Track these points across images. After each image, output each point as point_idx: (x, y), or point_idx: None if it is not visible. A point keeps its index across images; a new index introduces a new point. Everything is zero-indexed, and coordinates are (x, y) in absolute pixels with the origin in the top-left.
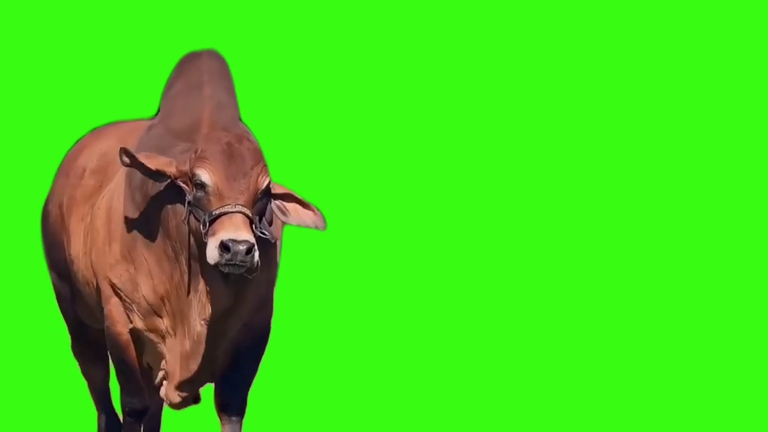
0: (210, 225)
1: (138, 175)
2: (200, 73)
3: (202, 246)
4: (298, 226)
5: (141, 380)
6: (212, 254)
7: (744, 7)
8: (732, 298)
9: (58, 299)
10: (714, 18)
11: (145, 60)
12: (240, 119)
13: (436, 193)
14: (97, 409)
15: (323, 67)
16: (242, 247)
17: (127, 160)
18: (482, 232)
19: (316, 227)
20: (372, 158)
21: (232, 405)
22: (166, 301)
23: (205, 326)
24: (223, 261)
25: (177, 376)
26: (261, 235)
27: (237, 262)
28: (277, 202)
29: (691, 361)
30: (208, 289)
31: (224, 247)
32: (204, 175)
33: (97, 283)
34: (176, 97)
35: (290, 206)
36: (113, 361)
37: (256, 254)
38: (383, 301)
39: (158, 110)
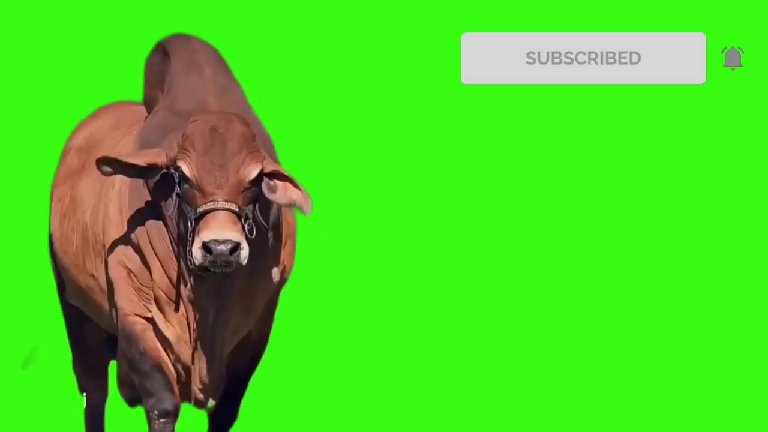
0: (196, 223)
1: None
2: (196, 53)
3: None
4: (285, 204)
5: (167, 373)
6: (196, 255)
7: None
8: (732, 299)
9: (60, 296)
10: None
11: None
12: (248, 104)
13: (435, 188)
14: None
15: (322, 58)
16: (225, 248)
17: (108, 169)
18: (483, 228)
19: (301, 208)
20: (370, 153)
21: (224, 414)
22: (177, 288)
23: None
24: (206, 262)
25: (193, 371)
26: (249, 233)
27: (221, 263)
28: (267, 181)
29: (690, 361)
30: (193, 286)
31: (206, 248)
32: (184, 168)
33: (107, 274)
34: (175, 77)
35: (280, 184)
36: (130, 360)
37: (243, 252)
38: (379, 297)
39: (144, 83)
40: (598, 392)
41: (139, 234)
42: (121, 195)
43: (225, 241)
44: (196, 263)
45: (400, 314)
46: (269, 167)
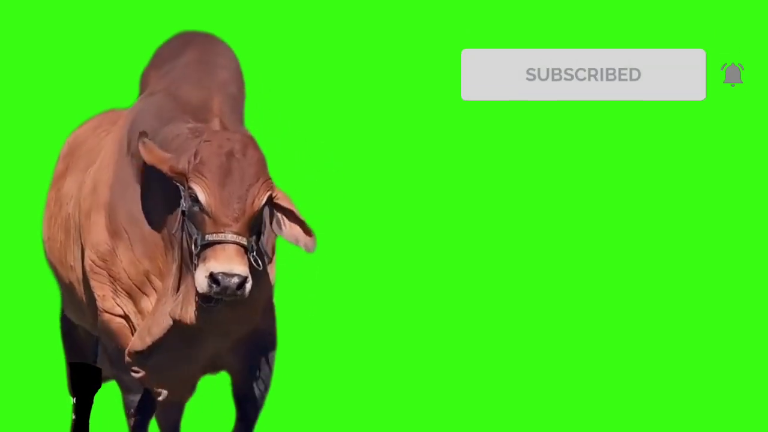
0: (202, 249)
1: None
2: (216, 55)
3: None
4: (288, 240)
5: None
6: (201, 283)
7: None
8: (732, 310)
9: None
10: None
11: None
12: (243, 124)
13: (435, 204)
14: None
15: (323, 73)
16: (234, 281)
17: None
18: (484, 244)
19: (306, 248)
20: (370, 169)
21: (247, 413)
22: (152, 276)
23: (171, 323)
24: (212, 293)
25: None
26: (254, 264)
27: (227, 295)
28: (278, 214)
29: (690, 362)
30: (195, 299)
31: (214, 280)
32: (199, 193)
33: (83, 270)
34: (187, 66)
35: (289, 224)
36: (109, 355)
37: (248, 285)
38: (380, 307)
39: (150, 62)
40: (599, 393)
41: (120, 225)
42: (98, 181)
43: (234, 275)
44: (200, 291)
45: (395, 327)
46: (284, 203)
